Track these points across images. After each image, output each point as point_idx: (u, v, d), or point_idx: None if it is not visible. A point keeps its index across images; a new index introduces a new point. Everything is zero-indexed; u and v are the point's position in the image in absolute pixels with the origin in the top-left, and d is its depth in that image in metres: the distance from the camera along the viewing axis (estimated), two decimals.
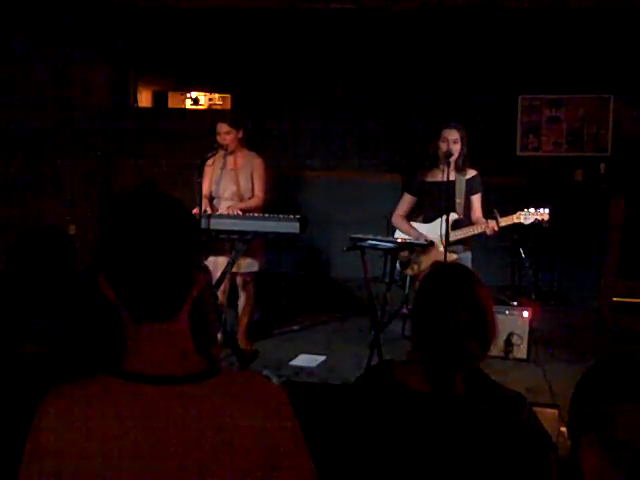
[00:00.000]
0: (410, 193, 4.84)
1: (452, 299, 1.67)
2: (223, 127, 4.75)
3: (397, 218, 4.84)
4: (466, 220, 4.62)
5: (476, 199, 4.67)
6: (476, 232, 4.55)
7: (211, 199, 4.87)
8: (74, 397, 1.15)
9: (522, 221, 4.50)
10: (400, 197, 4.96)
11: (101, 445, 1.11)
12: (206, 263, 4.82)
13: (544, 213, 4.48)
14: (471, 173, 4.67)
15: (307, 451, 1.23)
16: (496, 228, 4.47)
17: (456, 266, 1.88)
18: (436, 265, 1.95)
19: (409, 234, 4.73)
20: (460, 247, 4.62)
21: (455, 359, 1.63)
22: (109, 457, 1.11)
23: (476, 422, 1.57)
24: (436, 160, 4.63)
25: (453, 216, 4.54)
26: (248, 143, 4.98)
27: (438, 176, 4.60)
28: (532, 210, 4.49)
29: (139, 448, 1.12)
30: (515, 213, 4.52)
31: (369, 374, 1.77)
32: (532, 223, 4.51)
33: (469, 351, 1.63)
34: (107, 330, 1.83)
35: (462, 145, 4.58)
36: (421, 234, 4.67)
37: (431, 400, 1.61)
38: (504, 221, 4.50)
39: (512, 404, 1.63)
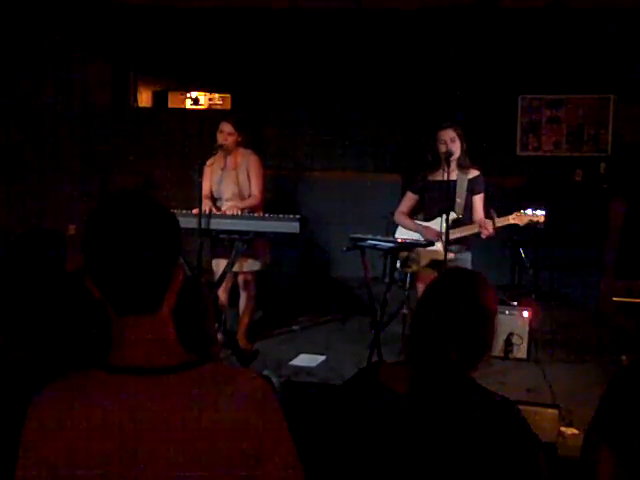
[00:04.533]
0: (412, 192, 4.84)
1: (452, 309, 1.65)
2: (227, 127, 4.75)
3: (399, 215, 4.83)
4: (467, 220, 4.61)
5: (478, 199, 4.65)
6: (471, 232, 4.54)
7: (213, 200, 4.87)
8: (63, 392, 1.20)
9: (517, 222, 4.50)
10: (402, 196, 4.97)
11: (90, 437, 1.15)
12: (207, 263, 4.83)
13: (539, 215, 4.47)
14: (474, 173, 4.66)
15: (292, 443, 1.25)
16: (491, 229, 4.45)
17: (467, 274, 1.82)
18: (447, 271, 1.94)
19: (410, 228, 4.72)
20: (459, 247, 4.61)
21: (438, 368, 1.62)
22: (98, 449, 1.15)
23: (458, 426, 1.55)
24: (438, 160, 4.63)
25: (452, 215, 4.53)
26: (248, 143, 4.98)
27: (440, 175, 4.59)
28: (528, 212, 4.48)
29: (126, 439, 1.15)
30: (511, 214, 4.52)
31: (356, 376, 1.76)
32: (527, 224, 4.51)
33: (454, 362, 1.63)
34: (94, 327, 1.86)
35: (461, 142, 4.57)
36: (424, 227, 4.66)
37: (408, 402, 1.60)
38: (500, 222, 4.50)
39: (497, 409, 1.60)
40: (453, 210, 4.54)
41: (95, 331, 1.81)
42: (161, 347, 1.23)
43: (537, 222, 4.48)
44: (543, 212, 4.48)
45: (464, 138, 4.57)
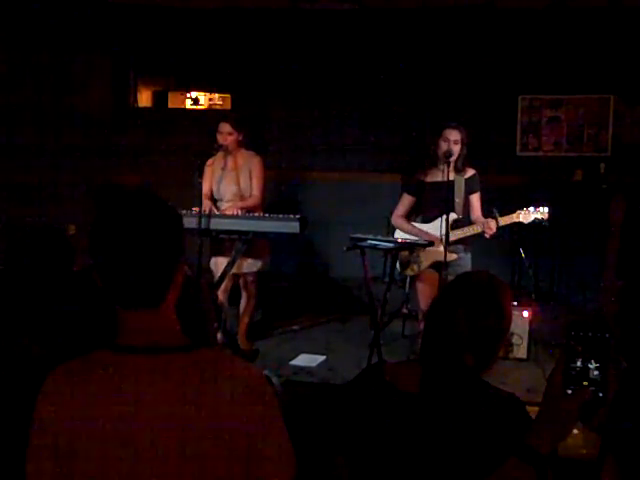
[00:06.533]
0: (409, 193, 4.83)
1: (474, 311, 1.65)
2: (225, 127, 4.75)
3: (397, 219, 4.82)
4: (466, 220, 4.61)
5: (475, 198, 4.67)
6: (475, 232, 4.54)
7: (214, 199, 4.87)
8: (71, 371, 1.27)
9: (522, 220, 4.51)
10: (399, 197, 4.96)
11: (89, 414, 1.21)
12: (207, 263, 4.83)
13: (544, 212, 4.49)
14: (469, 172, 4.67)
15: (286, 433, 1.29)
16: (494, 228, 4.46)
17: (489, 278, 1.78)
18: (469, 273, 1.94)
19: (411, 233, 4.71)
20: (460, 247, 4.61)
21: (452, 368, 1.62)
22: (96, 425, 1.21)
23: (466, 423, 1.56)
24: (435, 160, 4.63)
25: (452, 216, 4.54)
26: (248, 143, 4.98)
27: (437, 176, 4.59)
28: (532, 209, 4.50)
29: (125, 415, 1.21)
30: (514, 212, 4.53)
31: (361, 376, 1.77)
32: (532, 222, 4.52)
33: (469, 364, 1.64)
34: (101, 316, 1.89)
35: (462, 146, 4.56)
36: (424, 232, 4.65)
37: (419, 401, 1.60)
38: (504, 220, 4.50)
39: (503, 405, 1.61)
40: (453, 211, 4.55)
41: (102, 322, 1.85)
42: (162, 334, 1.28)
43: (542, 218, 4.50)
44: (547, 208, 4.50)
45: (466, 144, 4.57)
